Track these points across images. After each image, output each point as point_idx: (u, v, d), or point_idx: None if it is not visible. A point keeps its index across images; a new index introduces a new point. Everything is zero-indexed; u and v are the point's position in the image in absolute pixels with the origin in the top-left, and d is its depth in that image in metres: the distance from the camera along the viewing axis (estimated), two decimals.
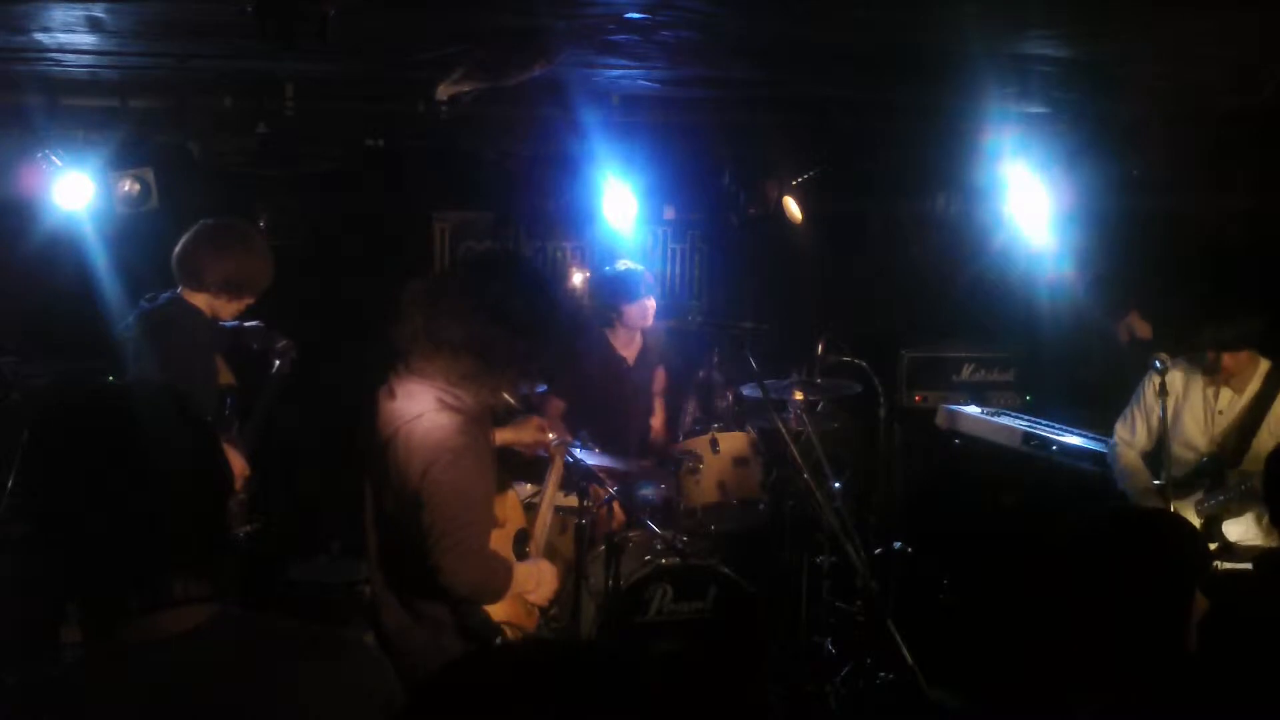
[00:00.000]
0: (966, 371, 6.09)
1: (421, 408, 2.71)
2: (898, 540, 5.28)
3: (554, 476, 3.65)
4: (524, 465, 4.07)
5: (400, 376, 2.80)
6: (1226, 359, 4.09)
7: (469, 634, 2.78)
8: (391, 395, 2.78)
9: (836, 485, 4.55)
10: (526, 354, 2.78)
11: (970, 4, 3.35)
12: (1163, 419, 4.07)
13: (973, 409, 5.76)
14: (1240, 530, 4.01)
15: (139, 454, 1.44)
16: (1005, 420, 5.51)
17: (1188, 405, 4.23)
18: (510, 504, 3.14)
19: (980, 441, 5.54)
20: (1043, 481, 5.06)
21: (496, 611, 2.85)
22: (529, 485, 4.54)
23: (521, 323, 2.73)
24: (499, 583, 2.83)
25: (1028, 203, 5.31)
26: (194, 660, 1.42)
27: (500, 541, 2.97)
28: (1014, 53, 4.04)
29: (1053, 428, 5.24)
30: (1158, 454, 4.27)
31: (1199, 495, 4.12)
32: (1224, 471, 4.07)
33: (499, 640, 2.79)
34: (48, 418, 1.49)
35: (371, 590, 2.93)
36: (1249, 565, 3.61)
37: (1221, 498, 3.99)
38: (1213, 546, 3.87)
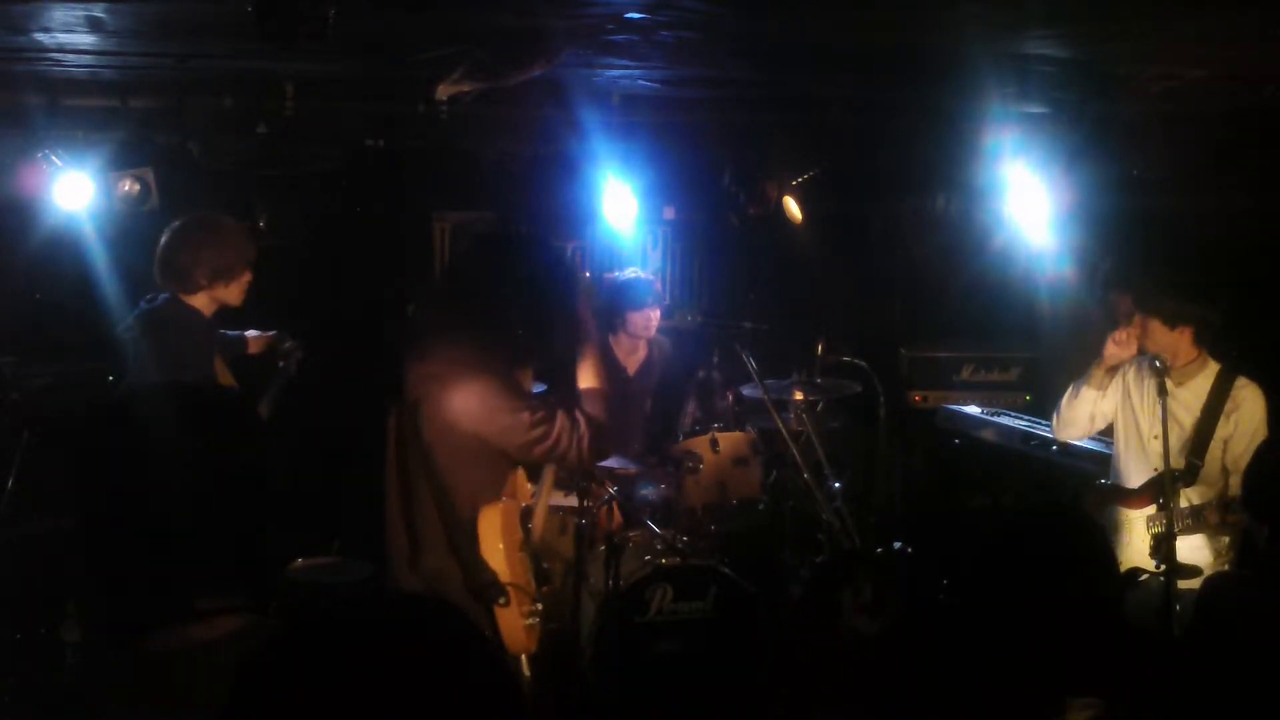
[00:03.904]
0: (966, 371, 6.08)
1: (453, 371, 2.78)
2: (898, 540, 5.27)
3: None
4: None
5: (432, 349, 2.86)
6: (1147, 324, 3.94)
7: (477, 593, 2.82)
8: (422, 359, 2.85)
9: (836, 485, 4.55)
10: (546, 328, 2.90)
11: (970, 4, 3.35)
12: (1163, 422, 3.96)
13: (973, 409, 5.76)
14: (1190, 552, 3.83)
15: (159, 461, 1.41)
16: (1005, 420, 5.51)
17: (1140, 401, 4.14)
18: (520, 480, 3.18)
19: (980, 441, 5.53)
20: (1043, 481, 5.05)
21: (504, 573, 2.88)
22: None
23: (532, 302, 2.82)
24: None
25: (1028, 203, 5.29)
26: (219, 672, 1.38)
27: (510, 513, 3.00)
28: (1014, 53, 4.04)
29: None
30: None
31: (1150, 511, 3.94)
32: (1176, 489, 3.84)
33: (503, 601, 2.83)
34: (66, 425, 1.47)
35: (388, 551, 3.00)
36: (1194, 586, 3.50)
37: (1172, 519, 3.73)
38: (1160, 566, 3.61)
